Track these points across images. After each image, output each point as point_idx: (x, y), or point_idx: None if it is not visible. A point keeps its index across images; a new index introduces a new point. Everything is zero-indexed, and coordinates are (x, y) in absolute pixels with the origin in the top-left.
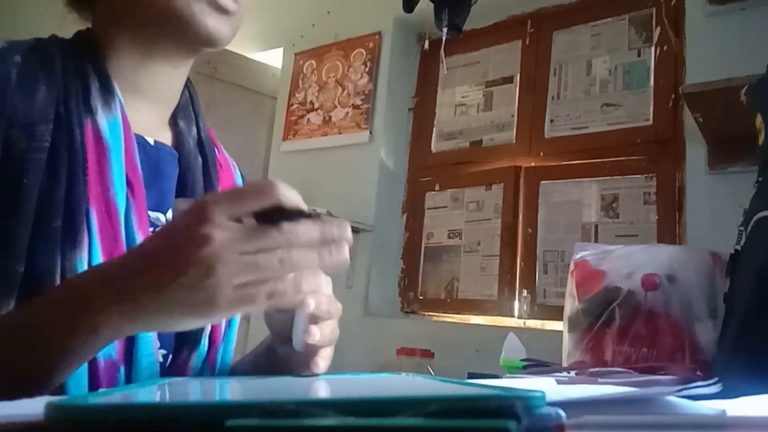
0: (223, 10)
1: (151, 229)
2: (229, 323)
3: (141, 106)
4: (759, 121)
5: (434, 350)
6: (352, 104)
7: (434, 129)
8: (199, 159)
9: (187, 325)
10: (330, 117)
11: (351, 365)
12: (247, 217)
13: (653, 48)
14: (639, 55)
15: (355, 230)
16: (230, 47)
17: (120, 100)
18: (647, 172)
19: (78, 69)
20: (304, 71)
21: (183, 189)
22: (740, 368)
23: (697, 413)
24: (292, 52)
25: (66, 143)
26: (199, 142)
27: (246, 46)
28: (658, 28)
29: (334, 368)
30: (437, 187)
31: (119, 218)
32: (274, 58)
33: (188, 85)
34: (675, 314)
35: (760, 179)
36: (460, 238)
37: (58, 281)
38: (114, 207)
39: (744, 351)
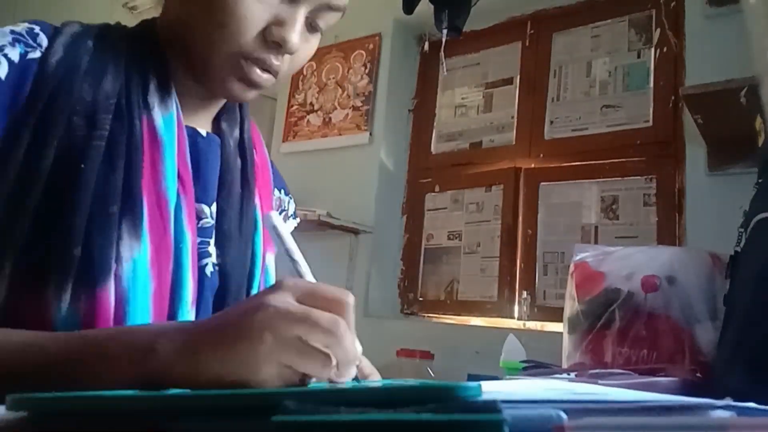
0: (254, 85)
1: (196, 221)
2: None
3: (192, 104)
4: (759, 122)
5: (434, 352)
6: (352, 106)
7: (434, 130)
8: (239, 161)
9: (226, 383)
10: (330, 118)
11: None
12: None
13: (653, 49)
14: (639, 57)
15: (354, 231)
16: None
17: (175, 99)
18: (647, 173)
19: (140, 63)
20: (304, 72)
21: (222, 185)
22: (740, 370)
23: (698, 414)
24: None
25: (125, 134)
26: (240, 144)
27: None
28: (658, 30)
29: None
30: (437, 189)
31: (169, 211)
32: None
33: None
34: (675, 316)
35: (760, 181)
36: (460, 240)
37: (113, 266)
38: (165, 200)
39: (744, 352)
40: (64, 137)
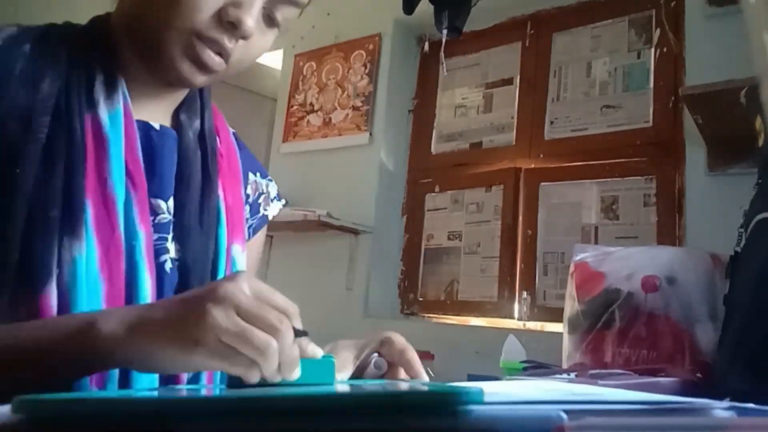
0: (206, 69)
1: (152, 217)
2: None
3: (146, 96)
4: (759, 122)
5: (434, 352)
6: (352, 106)
7: (434, 130)
8: (199, 152)
9: (171, 360)
10: (330, 119)
11: None
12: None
13: (653, 50)
14: (639, 57)
15: (354, 232)
16: None
17: (124, 93)
18: (647, 173)
19: (85, 61)
20: (304, 73)
21: (180, 179)
22: (740, 370)
23: (698, 415)
24: (292, 54)
25: (65, 135)
26: (201, 135)
27: None
28: (658, 30)
29: None
30: (437, 189)
31: (117, 209)
32: (274, 60)
33: None
34: (675, 316)
35: (760, 181)
36: (460, 240)
37: (54, 270)
38: (111, 197)
39: (744, 352)
40: (1, 144)
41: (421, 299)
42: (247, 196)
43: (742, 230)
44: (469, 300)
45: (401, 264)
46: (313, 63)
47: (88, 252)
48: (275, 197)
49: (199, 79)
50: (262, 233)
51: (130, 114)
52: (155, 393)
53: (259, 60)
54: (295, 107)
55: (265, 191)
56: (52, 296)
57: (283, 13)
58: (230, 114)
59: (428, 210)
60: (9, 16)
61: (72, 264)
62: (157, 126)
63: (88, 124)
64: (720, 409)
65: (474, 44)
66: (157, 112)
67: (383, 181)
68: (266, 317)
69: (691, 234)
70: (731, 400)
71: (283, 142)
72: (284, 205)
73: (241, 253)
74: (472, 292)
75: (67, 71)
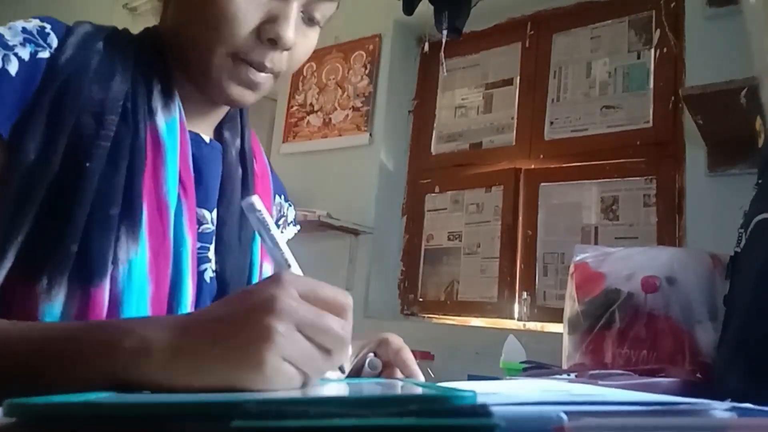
0: (251, 85)
1: (197, 226)
2: None
3: (195, 110)
4: (759, 123)
5: (434, 352)
6: (352, 106)
7: (434, 131)
8: (240, 170)
9: (230, 384)
10: (330, 119)
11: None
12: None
13: (653, 50)
14: (639, 58)
15: (354, 232)
16: None
17: (179, 104)
18: (647, 174)
19: (146, 68)
20: (304, 73)
21: (222, 193)
22: (740, 370)
23: (698, 415)
24: None
25: (130, 137)
26: (241, 153)
27: None
28: (658, 31)
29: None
30: (437, 189)
31: (169, 215)
32: None
33: None
34: (675, 316)
35: (759, 181)
36: (460, 240)
37: (110, 267)
38: (165, 204)
39: (744, 353)
40: (72, 134)
41: (421, 300)
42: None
43: (742, 230)
44: (469, 300)
45: (401, 264)
46: (313, 63)
47: (140, 254)
48: (292, 221)
49: (249, 98)
50: None
51: (184, 124)
52: (150, 395)
53: None
54: (295, 108)
55: (285, 213)
56: (104, 291)
57: (321, 12)
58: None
59: (428, 210)
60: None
61: (127, 264)
62: (207, 139)
63: (148, 130)
64: (720, 410)
65: (474, 45)
66: (203, 126)
67: (383, 181)
68: (330, 330)
69: (691, 234)
70: (731, 401)
71: (283, 142)
72: (298, 231)
73: (270, 272)
74: (472, 293)
75: (133, 75)
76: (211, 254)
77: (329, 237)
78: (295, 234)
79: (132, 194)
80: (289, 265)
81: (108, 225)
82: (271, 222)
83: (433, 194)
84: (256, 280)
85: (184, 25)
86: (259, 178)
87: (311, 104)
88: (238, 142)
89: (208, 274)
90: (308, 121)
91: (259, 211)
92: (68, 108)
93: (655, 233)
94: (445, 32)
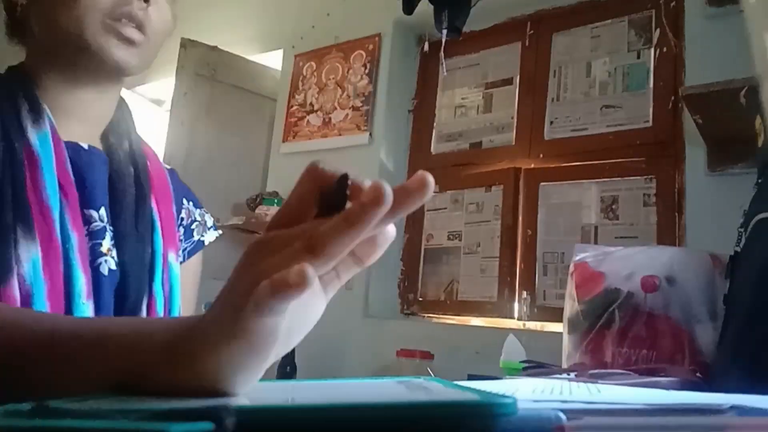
0: (129, 42)
1: (85, 227)
2: (170, 306)
3: (73, 125)
4: (759, 123)
5: (434, 352)
6: (352, 106)
7: (434, 131)
8: (131, 167)
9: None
10: (330, 119)
11: (351, 367)
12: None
13: (653, 50)
14: (638, 57)
15: None
16: (230, 49)
17: (49, 117)
18: (647, 173)
19: (9, 96)
20: (304, 73)
21: (114, 192)
22: (740, 370)
23: (698, 416)
24: (292, 54)
25: (9, 154)
26: (131, 154)
27: (246, 48)
28: (658, 30)
29: (334, 371)
30: (437, 189)
31: (53, 218)
32: (274, 60)
33: (122, 104)
34: (675, 316)
35: (759, 181)
36: (460, 240)
37: (14, 266)
38: (47, 207)
39: (744, 353)
40: None
41: (420, 299)
42: (181, 219)
43: (741, 230)
44: (469, 300)
45: (401, 264)
46: (312, 63)
47: (35, 253)
48: (212, 227)
49: (127, 53)
50: (197, 259)
51: (57, 135)
52: (147, 401)
53: (259, 60)
54: (294, 107)
55: (199, 220)
56: (14, 289)
57: None
58: (230, 114)
59: (428, 210)
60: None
61: (30, 262)
62: (85, 146)
63: (24, 145)
64: (720, 410)
65: (474, 44)
66: (84, 135)
67: (383, 181)
68: (291, 237)
69: (691, 234)
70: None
71: (283, 142)
72: (219, 236)
73: (176, 262)
74: (471, 292)
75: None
76: (105, 248)
77: None
78: (216, 238)
79: (20, 202)
80: None
81: (6, 230)
82: None
83: (433, 194)
84: (159, 266)
85: (49, 25)
86: (154, 175)
87: (311, 104)
88: (126, 144)
89: (106, 267)
90: (308, 121)
91: None
92: None
93: (654, 233)
94: (444, 32)
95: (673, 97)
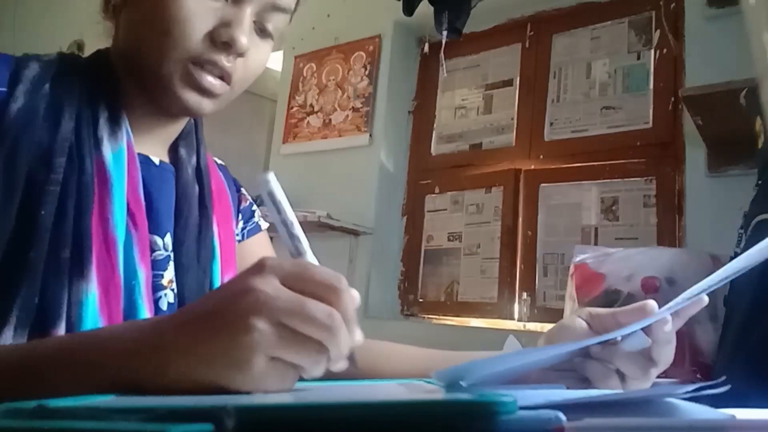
0: (208, 94)
1: (149, 253)
2: None
3: (147, 128)
4: (759, 123)
5: None
6: (352, 107)
7: (434, 132)
8: (196, 187)
9: (220, 387)
10: (330, 120)
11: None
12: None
13: (653, 51)
14: (638, 58)
15: (354, 233)
16: None
17: (127, 129)
18: (647, 174)
19: (91, 97)
20: (304, 74)
21: (178, 216)
22: (740, 371)
23: (698, 416)
24: (292, 55)
25: (76, 176)
26: (197, 171)
27: None
28: (658, 31)
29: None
30: (437, 190)
31: (117, 250)
32: (274, 61)
33: None
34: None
35: (759, 182)
36: (460, 241)
37: (65, 312)
38: (113, 238)
39: (744, 353)
40: (26, 184)
41: (421, 300)
42: (239, 205)
43: (742, 231)
44: (469, 301)
45: (401, 265)
46: (313, 64)
47: (91, 292)
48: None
49: (206, 105)
50: (264, 237)
51: (132, 151)
52: (147, 401)
53: None
54: (295, 108)
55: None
56: (61, 333)
57: (274, 23)
58: (230, 115)
59: (428, 211)
60: (8, 17)
61: (79, 305)
62: (156, 161)
63: (94, 163)
64: (720, 410)
65: (474, 45)
66: (157, 145)
67: (383, 182)
68: (313, 318)
69: (691, 235)
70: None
71: (283, 143)
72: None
73: None
74: (472, 293)
75: (78, 108)
76: (166, 281)
77: (329, 237)
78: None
79: (81, 233)
80: (300, 254)
81: (61, 268)
82: (286, 203)
83: (433, 195)
84: None
85: (136, 37)
86: (216, 194)
87: (311, 105)
88: (194, 159)
89: (165, 301)
90: (308, 122)
91: (273, 192)
92: (21, 160)
93: (655, 234)
94: (445, 33)
95: (673, 98)
